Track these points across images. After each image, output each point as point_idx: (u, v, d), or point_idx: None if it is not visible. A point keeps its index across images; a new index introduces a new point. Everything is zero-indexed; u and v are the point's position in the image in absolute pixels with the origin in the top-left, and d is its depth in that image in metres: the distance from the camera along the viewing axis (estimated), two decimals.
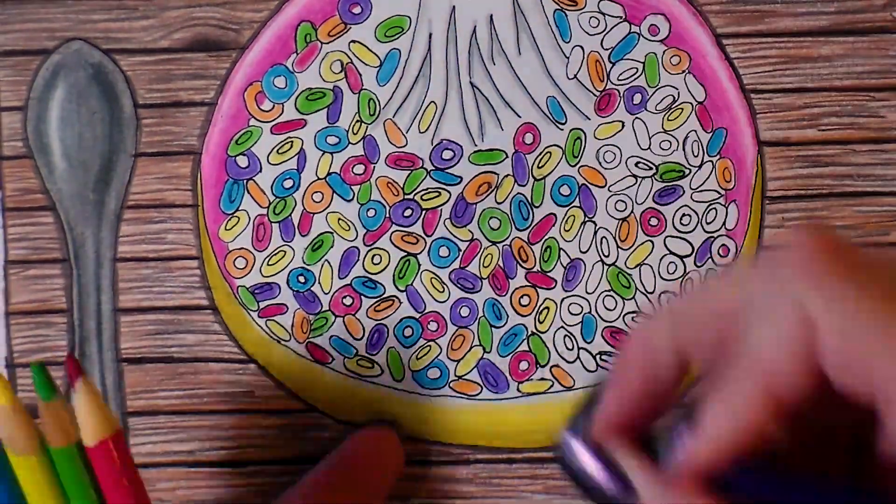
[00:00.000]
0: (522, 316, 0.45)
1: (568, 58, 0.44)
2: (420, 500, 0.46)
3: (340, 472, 0.44)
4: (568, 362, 0.45)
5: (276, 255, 0.45)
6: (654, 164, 0.44)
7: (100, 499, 0.36)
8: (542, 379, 0.45)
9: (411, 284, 0.45)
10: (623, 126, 0.44)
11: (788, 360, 0.28)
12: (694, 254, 0.45)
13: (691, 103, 0.44)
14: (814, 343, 0.28)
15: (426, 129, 0.45)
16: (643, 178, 0.45)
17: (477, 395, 0.46)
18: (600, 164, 0.44)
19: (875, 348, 0.27)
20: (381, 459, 0.45)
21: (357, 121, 0.45)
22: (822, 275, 0.28)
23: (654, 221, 0.45)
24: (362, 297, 0.45)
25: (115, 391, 0.46)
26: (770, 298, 0.28)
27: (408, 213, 0.45)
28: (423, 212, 0.45)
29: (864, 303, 0.28)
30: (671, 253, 0.45)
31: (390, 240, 0.45)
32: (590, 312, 0.45)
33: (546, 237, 0.45)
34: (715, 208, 0.45)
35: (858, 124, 0.44)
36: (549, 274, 0.45)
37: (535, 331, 0.45)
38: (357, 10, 0.44)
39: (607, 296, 0.45)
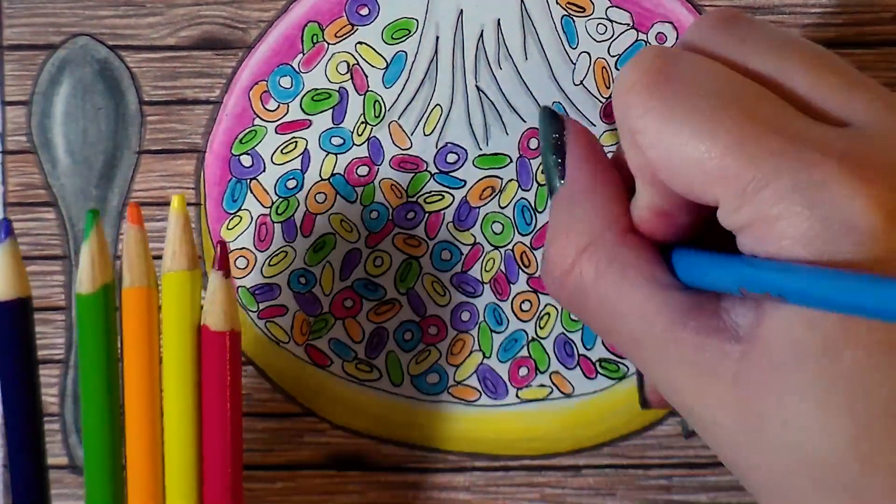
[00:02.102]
0: (523, 321, 0.45)
1: (574, 64, 0.44)
2: None
3: None
4: (568, 369, 0.45)
5: (277, 255, 0.45)
6: None
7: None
8: (542, 385, 0.45)
9: (412, 288, 0.45)
10: None
11: (639, 176, 0.35)
12: None
13: None
14: (647, 161, 0.33)
15: (431, 132, 0.45)
16: None
17: (476, 401, 0.45)
18: None
19: (677, 158, 0.32)
20: None
21: (362, 122, 0.45)
22: (635, 98, 0.33)
23: None
24: (363, 299, 0.45)
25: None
26: (620, 132, 0.35)
27: (411, 215, 0.45)
28: (426, 215, 0.45)
29: (672, 117, 0.32)
30: None
31: (392, 242, 0.45)
32: None
33: None
34: None
35: None
36: None
37: (535, 336, 0.45)
38: (364, 11, 0.44)
39: None
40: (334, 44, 0.45)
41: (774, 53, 0.34)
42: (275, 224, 0.45)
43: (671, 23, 0.44)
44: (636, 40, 0.44)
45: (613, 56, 0.44)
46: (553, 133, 0.38)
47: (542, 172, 0.41)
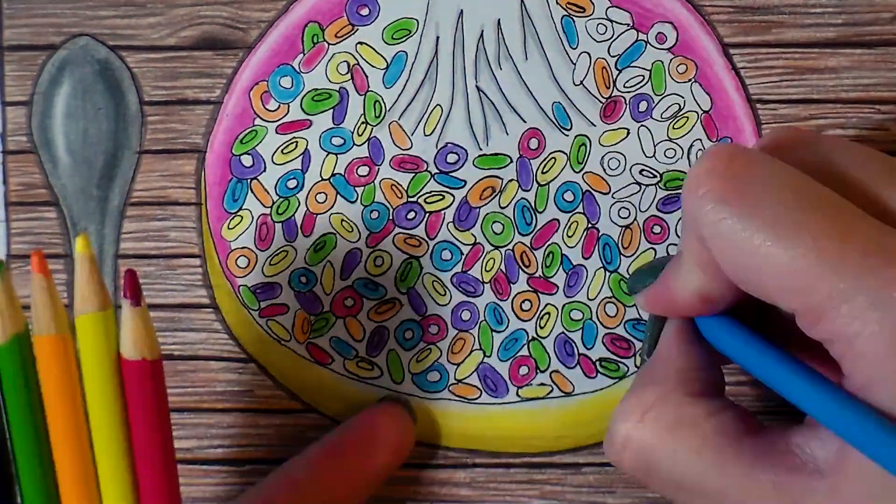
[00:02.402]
0: (523, 321, 0.45)
1: (574, 64, 0.44)
2: (416, 502, 0.46)
3: (346, 447, 0.44)
4: (568, 368, 0.45)
5: (278, 254, 0.45)
6: (658, 171, 0.44)
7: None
8: (542, 384, 0.45)
9: (413, 287, 0.45)
10: (628, 133, 0.44)
11: (697, 265, 0.35)
12: None
13: (697, 112, 0.44)
14: (712, 258, 0.34)
15: (431, 133, 0.45)
16: (647, 185, 0.45)
17: (476, 399, 0.46)
18: (604, 170, 0.45)
19: (765, 260, 0.32)
20: (386, 438, 0.44)
21: (362, 122, 0.45)
22: (712, 200, 0.33)
23: (657, 229, 0.45)
24: (363, 298, 0.45)
25: None
26: (685, 224, 0.35)
27: (411, 215, 0.45)
28: (427, 215, 0.45)
29: (745, 218, 0.32)
30: None
31: (393, 242, 0.45)
32: (591, 319, 0.45)
33: (549, 243, 0.45)
34: None
35: (863, 136, 0.44)
36: (550, 279, 0.45)
37: (535, 336, 0.45)
38: (365, 11, 0.44)
39: (609, 302, 0.45)
40: (335, 44, 0.45)
41: (841, 152, 0.34)
42: (275, 224, 0.45)
43: (671, 23, 0.44)
44: (636, 40, 0.44)
45: (613, 56, 0.44)
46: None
47: (645, 335, 0.42)
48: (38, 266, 0.36)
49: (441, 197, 0.45)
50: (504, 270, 0.45)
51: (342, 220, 0.45)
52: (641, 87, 0.44)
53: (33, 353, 0.37)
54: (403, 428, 0.45)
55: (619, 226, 0.45)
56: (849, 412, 0.30)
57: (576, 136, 0.44)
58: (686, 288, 0.36)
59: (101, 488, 0.38)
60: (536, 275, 0.45)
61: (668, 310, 0.38)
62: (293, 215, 0.45)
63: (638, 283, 0.41)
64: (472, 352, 0.45)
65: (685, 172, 0.44)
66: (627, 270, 0.45)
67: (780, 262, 0.31)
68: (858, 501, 0.31)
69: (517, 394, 0.46)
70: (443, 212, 0.45)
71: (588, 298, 0.45)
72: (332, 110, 0.45)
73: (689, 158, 0.44)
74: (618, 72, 0.44)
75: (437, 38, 0.44)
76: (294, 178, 0.45)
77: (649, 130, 0.44)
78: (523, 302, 0.45)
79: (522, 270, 0.45)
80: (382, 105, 0.45)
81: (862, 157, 0.35)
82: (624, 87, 0.44)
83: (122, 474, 0.38)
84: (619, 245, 0.45)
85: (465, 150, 0.45)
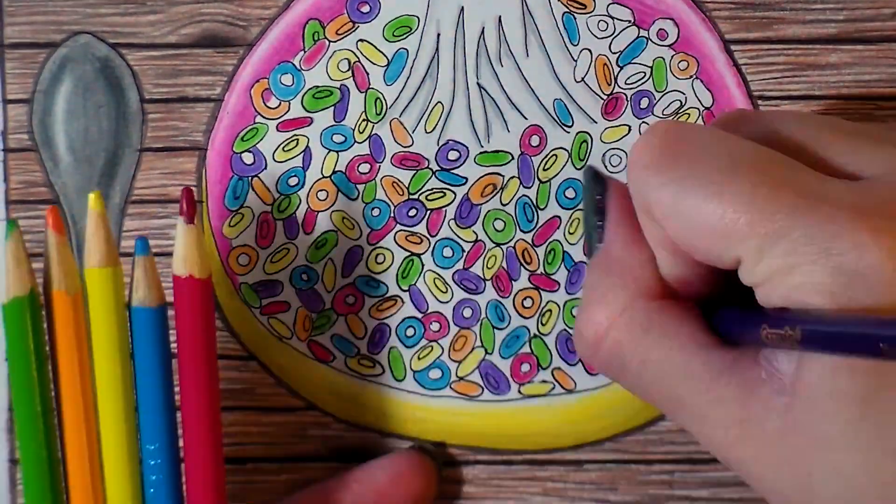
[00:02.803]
0: (525, 318, 0.45)
1: (576, 61, 0.44)
2: None
3: (365, 491, 0.44)
4: (570, 365, 0.45)
5: (279, 252, 0.45)
6: None
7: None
8: (544, 381, 0.45)
9: (414, 284, 0.45)
10: (630, 130, 0.44)
11: (658, 249, 0.36)
12: None
13: (698, 108, 0.44)
14: (666, 233, 0.34)
15: (432, 130, 0.45)
16: None
17: (478, 396, 0.46)
18: (606, 167, 0.44)
19: (694, 227, 0.33)
20: (409, 489, 0.45)
21: (363, 120, 0.45)
22: (650, 173, 0.34)
23: None
24: (365, 296, 0.45)
25: None
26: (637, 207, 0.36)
27: (412, 212, 0.45)
28: (428, 212, 0.45)
29: (684, 187, 0.33)
30: None
31: (394, 239, 0.45)
32: None
33: (550, 240, 0.45)
34: None
35: None
36: (552, 276, 0.45)
37: (537, 333, 0.45)
38: (365, 8, 0.44)
39: None
40: (335, 41, 0.45)
41: (781, 120, 0.35)
42: (276, 221, 0.45)
43: (672, 19, 0.44)
44: (637, 37, 0.44)
45: (615, 53, 0.44)
46: (596, 194, 0.38)
47: (583, 233, 0.42)
48: (53, 223, 0.37)
49: (442, 194, 0.45)
50: (505, 268, 0.45)
51: (343, 218, 0.45)
52: (643, 83, 0.44)
53: (41, 313, 0.38)
54: (427, 478, 0.45)
55: None
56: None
57: (577, 133, 0.44)
58: (661, 271, 0.36)
59: (101, 444, 0.39)
60: (538, 272, 0.45)
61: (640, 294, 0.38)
62: (294, 213, 0.45)
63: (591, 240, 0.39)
64: (473, 349, 0.45)
65: None
66: None
67: (717, 217, 0.32)
68: (811, 423, 0.31)
69: (519, 391, 0.46)
70: (444, 209, 0.45)
71: None
72: (333, 108, 0.45)
73: None
74: (619, 68, 0.44)
75: (438, 35, 0.44)
76: (295, 175, 0.45)
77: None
78: (525, 299, 0.45)
79: (524, 268, 0.45)
80: (383, 102, 0.45)
81: (800, 119, 0.36)
82: (625, 83, 0.44)
83: (122, 428, 0.38)
84: None
85: (467, 148, 0.45)
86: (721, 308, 0.35)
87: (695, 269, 0.35)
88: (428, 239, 0.45)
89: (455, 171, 0.45)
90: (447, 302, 0.45)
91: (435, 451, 0.46)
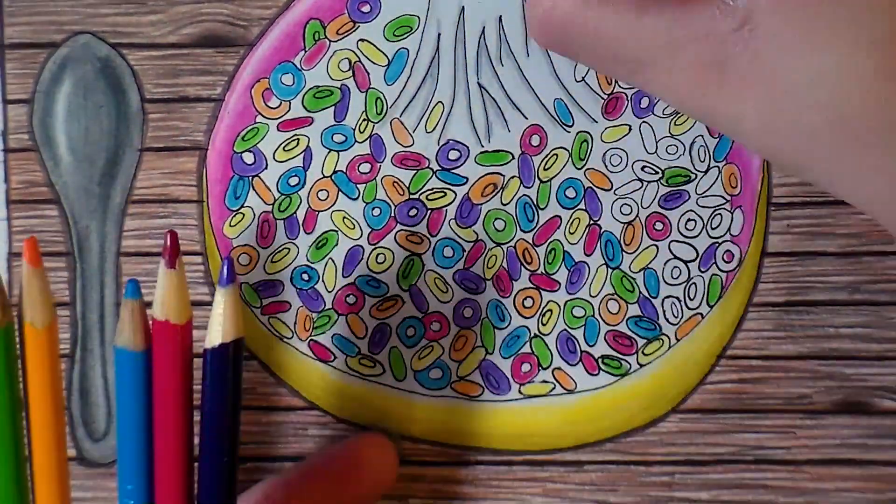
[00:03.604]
0: (525, 318, 0.45)
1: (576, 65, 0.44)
2: (418, 500, 0.47)
3: (327, 471, 0.44)
4: (570, 365, 0.45)
5: (280, 252, 0.45)
6: (660, 168, 0.44)
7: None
8: (544, 381, 0.45)
9: (415, 284, 0.45)
10: (630, 130, 0.44)
11: None
12: (698, 259, 0.45)
13: None
14: None
15: (433, 129, 0.45)
16: (649, 182, 0.44)
17: (478, 396, 0.46)
18: (606, 167, 0.44)
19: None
20: (371, 467, 0.45)
21: (364, 119, 0.45)
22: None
23: (659, 226, 0.45)
24: (365, 295, 0.45)
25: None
26: None
27: (413, 212, 0.45)
28: (429, 212, 0.45)
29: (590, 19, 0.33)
30: (675, 258, 0.45)
31: (395, 239, 0.45)
32: (593, 316, 0.45)
33: (550, 239, 0.45)
34: (720, 214, 0.45)
35: None
36: (552, 276, 0.45)
37: (537, 333, 0.45)
38: (366, 8, 0.44)
39: (611, 299, 0.45)
40: (336, 41, 0.45)
41: None
42: (277, 221, 0.45)
43: None
44: None
45: None
46: None
47: None
48: (29, 256, 0.37)
49: (443, 194, 0.45)
50: (506, 267, 0.45)
51: (344, 218, 0.45)
52: None
53: (16, 347, 0.37)
54: (387, 458, 0.45)
55: (621, 222, 0.45)
56: None
57: (577, 133, 0.44)
58: None
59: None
60: (538, 272, 0.45)
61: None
62: (295, 212, 0.45)
63: None
64: (473, 349, 0.45)
65: (687, 169, 0.44)
66: (630, 268, 0.45)
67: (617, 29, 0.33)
68: (778, 37, 0.31)
69: (519, 391, 0.46)
70: (444, 209, 0.45)
71: (590, 295, 0.45)
72: (333, 107, 0.45)
73: (690, 155, 0.44)
74: None
75: (439, 34, 0.44)
76: (296, 175, 0.45)
77: (651, 127, 0.44)
78: (525, 299, 0.45)
79: (524, 267, 0.45)
80: (384, 102, 0.45)
81: None
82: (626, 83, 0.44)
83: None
84: (621, 242, 0.45)
85: (467, 147, 0.45)
86: None
87: None
88: (428, 239, 0.45)
89: (455, 171, 0.45)
90: (448, 302, 0.45)
91: (393, 430, 0.46)
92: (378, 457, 0.45)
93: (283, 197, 0.45)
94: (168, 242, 0.37)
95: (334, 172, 0.45)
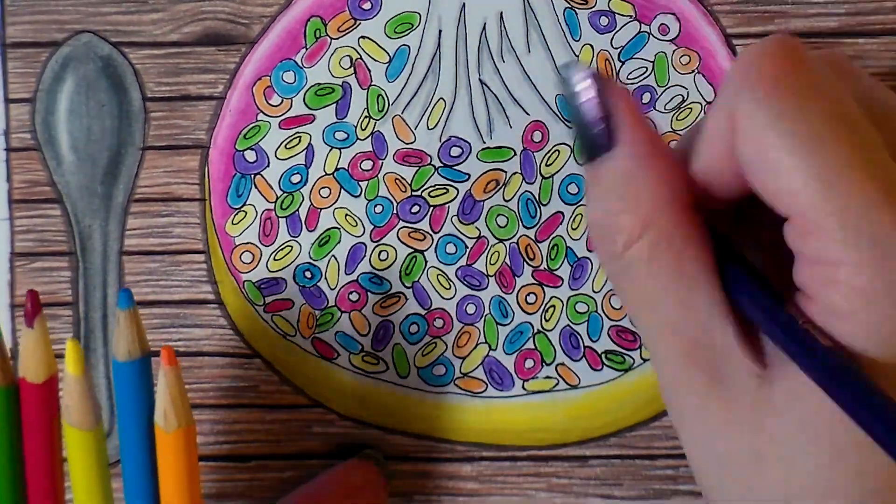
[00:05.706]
0: (528, 314, 0.45)
1: (577, 56, 0.44)
2: (423, 496, 0.46)
3: (317, 502, 0.44)
4: (574, 360, 0.45)
5: (282, 249, 0.45)
6: None
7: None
8: (548, 377, 0.45)
9: (418, 281, 0.45)
10: None
11: (712, 147, 0.32)
12: None
13: (700, 103, 0.44)
14: (733, 141, 0.31)
15: (435, 126, 0.45)
16: None
17: (482, 392, 0.46)
18: None
19: (785, 161, 0.30)
20: (361, 495, 0.44)
21: (366, 116, 0.45)
22: (756, 87, 0.31)
23: None
24: (368, 293, 0.45)
25: None
26: (717, 101, 0.32)
27: (415, 209, 0.45)
28: (431, 208, 0.45)
29: (784, 117, 0.30)
30: None
31: (397, 236, 0.45)
32: (596, 311, 0.45)
33: (553, 235, 0.45)
34: None
35: None
36: (555, 272, 0.45)
37: (541, 329, 0.45)
38: (367, 5, 0.44)
39: (614, 295, 0.45)
40: (337, 38, 0.45)
41: (888, 101, 0.33)
42: (279, 219, 0.45)
43: (673, 14, 0.44)
44: (639, 32, 0.44)
45: (616, 48, 0.44)
46: (590, 92, 0.33)
47: (576, 140, 0.36)
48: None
49: (445, 190, 0.45)
50: (509, 263, 0.45)
51: (346, 215, 0.45)
52: (644, 78, 0.44)
53: (17, 405, 0.38)
54: (375, 484, 0.45)
55: None
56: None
57: None
58: (692, 161, 0.34)
59: None
60: (541, 268, 0.45)
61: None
62: (297, 210, 0.45)
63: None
64: (477, 345, 0.45)
65: None
66: None
67: (798, 167, 0.30)
68: (783, 405, 0.31)
69: (523, 387, 0.46)
70: (447, 205, 0.45)
71: (593, 291, 0.45)
72: (335, 105, 0.45)
73: None
74: (621, 63, 0.44)
75: (440, 31, 0.44)
76: (298, 172, 0.45)
77: (653, 122, 0.44)
78: (528, 295, 0.45)
79: (527, 263, 0.45)
80: (385, 99, 0.45)
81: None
82: (627, 78, 0.44)
83: None
84: None
85: (469, 144, 0.45)
86: (733, 264, 0.33)
87: (723, 179, 0.33)
88: (431, 235, 0.45)
89: (457, 168, 0.45)
90: (451, 298, 0.45)
91: (382, 458, 0.46)
92: (367, 485, 0.45)
93: (286, 195, 0.45)
94: (28, 301, 0.37)
95: (336, 170, 0.45)
